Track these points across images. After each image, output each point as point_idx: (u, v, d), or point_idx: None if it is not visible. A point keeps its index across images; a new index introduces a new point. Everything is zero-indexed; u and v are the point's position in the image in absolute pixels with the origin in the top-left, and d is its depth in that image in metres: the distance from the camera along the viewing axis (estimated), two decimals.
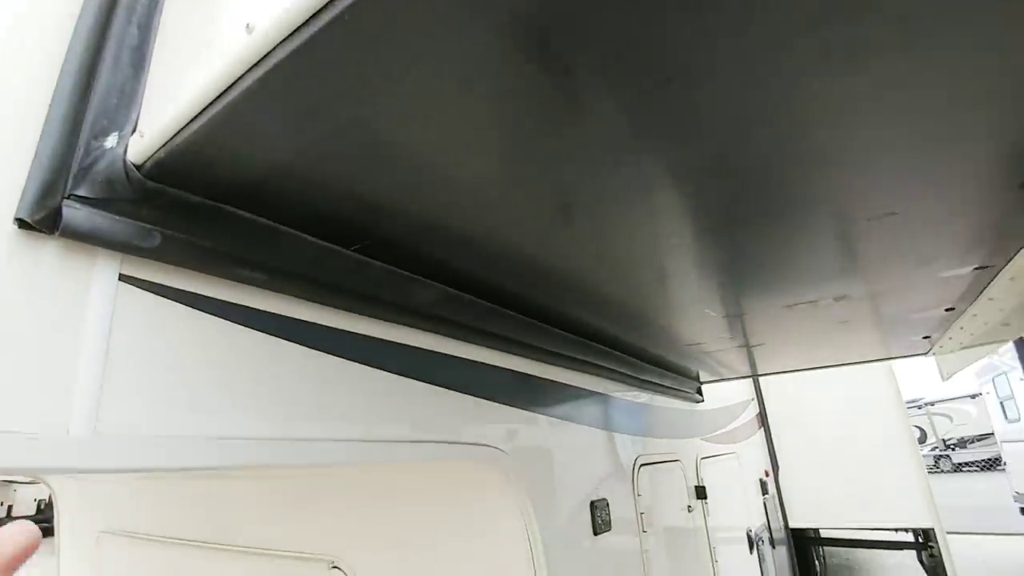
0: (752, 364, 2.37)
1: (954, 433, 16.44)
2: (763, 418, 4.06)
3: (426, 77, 0.44)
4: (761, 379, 3.99)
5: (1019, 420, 5.78)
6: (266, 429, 0.63)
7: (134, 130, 0.57)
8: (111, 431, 0.52)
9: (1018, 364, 5.33)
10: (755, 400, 3.95)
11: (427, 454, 0.86)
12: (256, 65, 0.43)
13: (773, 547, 3.22)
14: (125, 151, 0.55)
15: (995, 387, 6.36)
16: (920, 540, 3.99)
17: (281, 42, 0.41)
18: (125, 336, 0.55)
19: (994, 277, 1.10)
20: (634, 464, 1.63)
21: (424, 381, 0.87)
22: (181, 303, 0.60)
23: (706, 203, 0.72)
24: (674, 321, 1.43)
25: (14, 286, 0.50)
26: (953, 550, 3.73)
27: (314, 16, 0.39)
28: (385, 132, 0.52)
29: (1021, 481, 6.10)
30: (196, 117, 0.49)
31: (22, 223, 0.50)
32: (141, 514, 1.32)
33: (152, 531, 1.29)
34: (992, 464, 14.02)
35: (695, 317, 1.38)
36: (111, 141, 0.56)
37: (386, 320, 0.82)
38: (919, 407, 16.93)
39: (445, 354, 0.94)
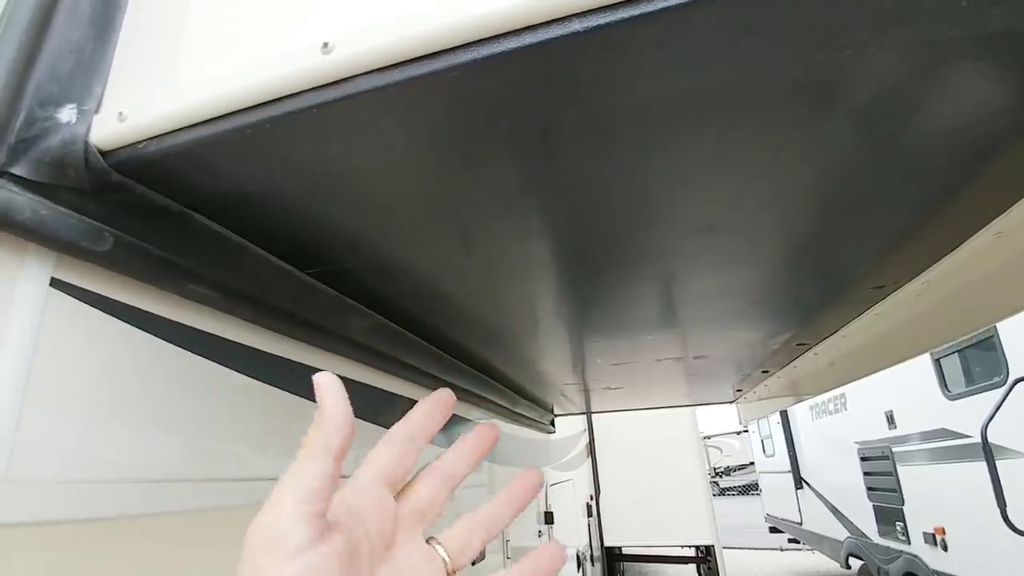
0: (588, 404, 2.63)
1: (723, 463, 19.65)
2: (592, 447, 4.45)
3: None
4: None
5: (774, 455, 7.14)
6: (209, 470, 0.55)
7: (98, 106, 0.48)
8: (27, 476, 0.42)
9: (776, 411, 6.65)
10: (586, 431, 4.31)
11: None
12: (324, 87, 0.40)
13: (592, 565, 3.52)
14: (88, 131, 0.46)
15: (759, 427, 7.80)
16: (701, 555, 4.69)
17: (365, 73, 0.39)
18: (52, 357, 0.45)
19: (809, 349, 1.40)
20: None
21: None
22: (122, 320, 0.51)
23: (565, 256, 0.76)
24: (542, 360, 1.53)
25: None
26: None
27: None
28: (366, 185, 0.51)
29: (772, 505, 7.51)
30: (216, 120, 0.43)
31: None
32: None
33: None
34: (747, 489, 17.03)
35: (556, 359, 1.51)
36: (66, 114, 0.47)
37: (327, 350, 0.77)
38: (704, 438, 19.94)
39: (371, 386, 0.90)
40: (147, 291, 0.53)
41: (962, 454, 3.35)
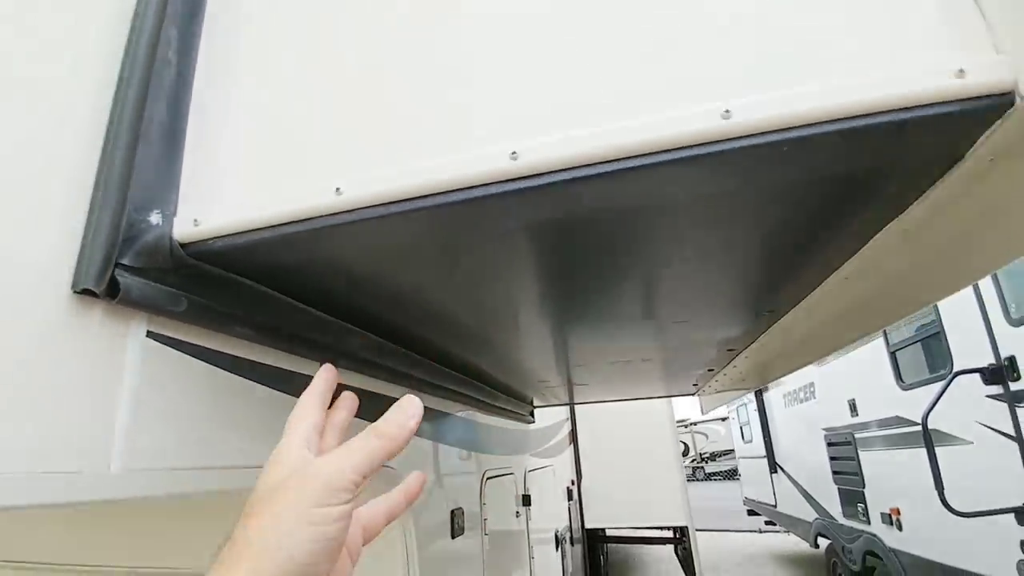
0: (571, 396, 2.87)
1: (709, 448, 20.13)
2: (574, 435, 4.71)
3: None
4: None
5: (752, 441, 7.46)
6: (253, 458, 0.77)
7: (175, 210, 0.69)
8: (143, 466, 0.63)
9: (754, 399, 6.95)
10: (569, 420, 4.56)
11: None
12: (338, 214, 0.61)
13: (572, 545, 3.78)
14: (170, 228, 0.67)
15: (738, 414, 8.12)
16: (677, 536, 4.99)
17: (365, 207, 0.60)
18: (152, 385, 0.66)
19: (739, 354, 1.63)
20: (483, 477, 1.92)
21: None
22: (194, 356, 0.72)
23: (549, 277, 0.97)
24: (523, 358, 1.75)
25: (69, 345, 0.59)
26: (700, 544, 4.75)
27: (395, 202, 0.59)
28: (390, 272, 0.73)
29: (749, 488, 7.85)
30: (264, 229, 0.64)
31: (86, 291, 0.60)
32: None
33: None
34: (732, 474, 17.50)
35: (539, 359, 1.73)
36: (155, 218, 0.67)
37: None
38: (685, 426, 20.43)
39: (364, 390, 1.12)
40: (208, 334, 0.74)
41: (914, 440, 3.63)
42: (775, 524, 7.13)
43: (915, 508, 3.66)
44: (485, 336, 1.33)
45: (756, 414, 7.08)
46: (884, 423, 4.00)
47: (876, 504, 4.16)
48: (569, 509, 4.02)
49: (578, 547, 4.25)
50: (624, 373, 2.10)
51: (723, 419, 17.73)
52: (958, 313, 3.15)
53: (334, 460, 0.44)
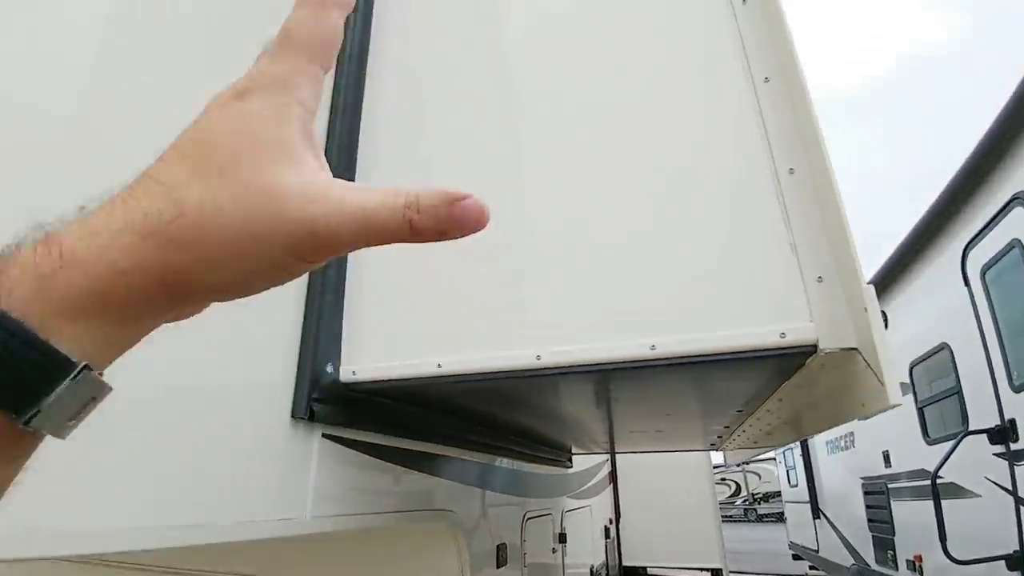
0: (612, 446, 3.25)
1: (761, 488, 19.45)
2: (613, 476, 5.01)
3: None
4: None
5: (797, 485, 7.46)
6: (387, 507, 1.22)
7: (340, 363, 1.16)
8: (324, 514, 1.10)
9: (799, 444, 7.00)
10: (609, 463, 4.87)
11: (416, 518, 1.48)
12: (437, 378, 1.06)
13: None
14: (338, 375, 1.14)
15: (784, 458, 8.12)
16: None
17: (455, 374, 1.05)
18: (326, 466, 1.13)
19: (735, 430, 1.99)
20: (523, 518, 2.32)
21: (422, 472, 1.50)
22: (349, 447, 1.19)
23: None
24: (571, 419, 2.17)
25: (287, 446, 1.06)
26: None
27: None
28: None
29: (795, 532, 7.80)
30: (393, 380, 1.10)
31: (298, 416, 1.07)
32: None
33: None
34: (784, 516, 16.91)
35: (588, 424, 2.14)
36: (330, 368, 1.15)
37: (417, 439, 1.45)
38: (738, 465, 19.87)
39: (428, 453, 1.57)
40: (359, 432, 1.21)
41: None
42: (818, 569, 7.06)
43: (934, 555, 3.76)
44: (546, 410, 1.77)
45: (801, 459, 7.11)
46: (912, 475, 4.12)
47: (903, 551, 4.26)
48: (606, 547, 4.32)
49: None
50: (652, 435, 2.48)
51: (772, 459, 17.21)
52: (976, 377, 3.33)
53: (358, 218, 0.27)
